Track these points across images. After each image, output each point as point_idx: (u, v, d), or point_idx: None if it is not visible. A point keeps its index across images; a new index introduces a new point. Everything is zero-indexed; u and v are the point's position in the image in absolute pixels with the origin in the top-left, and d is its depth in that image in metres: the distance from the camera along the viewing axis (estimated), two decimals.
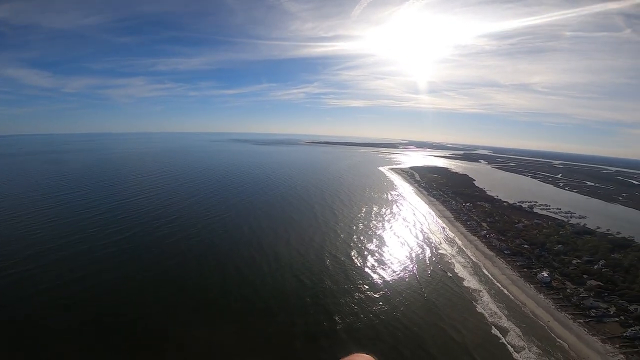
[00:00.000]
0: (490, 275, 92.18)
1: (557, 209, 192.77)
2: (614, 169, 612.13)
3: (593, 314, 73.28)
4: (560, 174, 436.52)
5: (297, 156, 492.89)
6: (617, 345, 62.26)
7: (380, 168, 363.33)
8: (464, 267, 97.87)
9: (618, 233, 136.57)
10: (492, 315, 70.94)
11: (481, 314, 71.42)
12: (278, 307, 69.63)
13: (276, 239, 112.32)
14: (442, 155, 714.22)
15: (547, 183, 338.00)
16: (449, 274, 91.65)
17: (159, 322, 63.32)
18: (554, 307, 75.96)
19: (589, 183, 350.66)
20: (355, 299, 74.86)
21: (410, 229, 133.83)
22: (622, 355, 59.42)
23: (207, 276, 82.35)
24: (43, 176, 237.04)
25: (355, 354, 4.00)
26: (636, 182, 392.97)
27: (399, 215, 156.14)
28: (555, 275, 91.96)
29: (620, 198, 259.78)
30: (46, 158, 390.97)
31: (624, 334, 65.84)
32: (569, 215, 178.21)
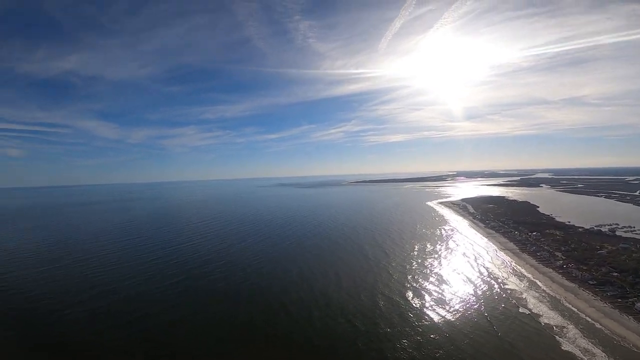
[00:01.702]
0: (574, 309, 79.70)
1: None
2: None
3: None
4: (638, 191, 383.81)
5: (342, 197, 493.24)
6: None
7: (429, 203, 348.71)
8: (540, 301, 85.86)
9: None
10: (584, 353, 60.06)
11: (570, 352, 60.69)
12: (330, 354, 65.38)
13: (326, 282, 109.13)
14: (495, 183, 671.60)
15: (626, 202, 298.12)
16: (523, 310, 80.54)
17: None
18: None
19: None
20: (415, 343, 67.91)
21: (470, 265, 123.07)
22: None
23: (256, 321, 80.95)
24: (108, 223, 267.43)
25: None
26: None
27: (456, 251, 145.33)
28: None
29: None
30: (111, 207, 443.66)
31: None
32: None
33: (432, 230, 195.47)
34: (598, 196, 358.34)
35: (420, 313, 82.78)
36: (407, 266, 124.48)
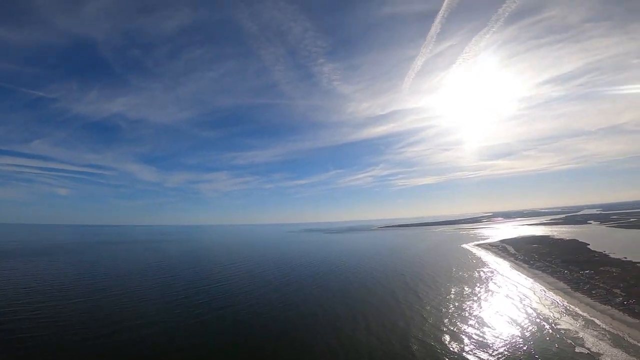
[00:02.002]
0: None
1: None
2: None
3: None
4: None
5: (371, 242, 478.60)
6: None
7: (464, 245, 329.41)
8: (600, 339, 75.02)
9: None
10: None
11: None
12: None
13: (354, 326, 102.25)
14: (538, 222, 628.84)
15: None
16: (581, 350, 70.27)
17: None
18: None
19: None
20: None
21: (514, 306, 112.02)
22: None
23: None
24: (145, 262, 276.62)
25: None
26: None
27: (497, 293, 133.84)
28: None
29: None
30: (149, 246, 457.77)
31: None
32: None
33: (469, 272, 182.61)
34: None
35: (458, 358, 74.43)
36: (443, 309, 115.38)
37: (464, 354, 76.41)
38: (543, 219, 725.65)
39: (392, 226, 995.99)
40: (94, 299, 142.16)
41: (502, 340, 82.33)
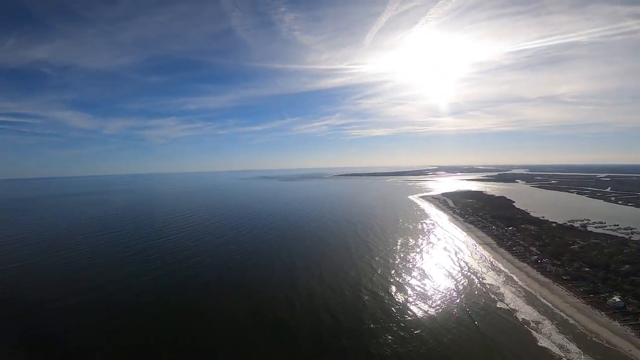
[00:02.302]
0: (549, 304, 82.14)
1: (615, 225, 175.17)
2: None
3: None
4: (609, 187, 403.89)
5: (324, 190, 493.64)
6: None
7: (410, 197, 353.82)
8: (517, 296, 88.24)
9: None
10: (560, 349, 61.72)
11: (547, 348, 62.20)
12: (315, 349, 64.72)
13: (309, 277, 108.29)
14: (474, 178, 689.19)
15: (597, 198, 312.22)
16: (501, 305, 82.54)
17: None
18: (633, 334, 65.48)
19: None
20: (399, 339, 68.20)
21: (450, 259, 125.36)
22: None
23: (240, 319, 79.24)
24: (86, 216, 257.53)
25: None
26: None
27: (437, 245, 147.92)
28: (629, 299, 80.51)
29: None
30: (89, 199, 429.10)
31: None
32: (630, 231, 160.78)
33: (414, 224, 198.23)
34: (570, 192, 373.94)
35: (403, 308, 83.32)
36: (390, 260, 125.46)
37: (408, 304, 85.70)
38: (479, 175, 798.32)
39: (345, 175, 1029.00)
40: (30, 263, 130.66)
41: (439, 293, 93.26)
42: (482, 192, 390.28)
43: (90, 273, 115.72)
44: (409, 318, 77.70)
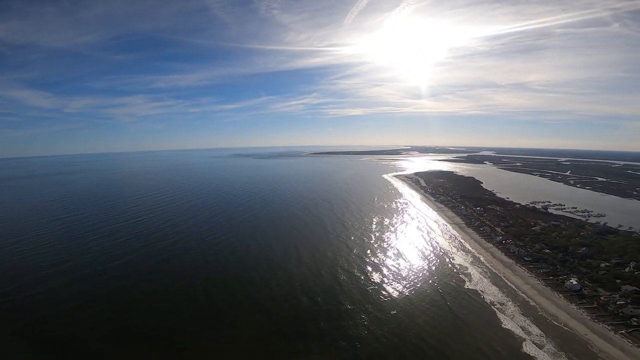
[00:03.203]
0: (512, 286, 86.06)
1: (573, 207, 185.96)
2: (621, 162, 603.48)
3: (635, 324, 67.04)
4: (569, 171, 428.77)
5: (301, 168, 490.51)
6: None
7: (385, 176, 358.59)
8: (483, 277, 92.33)
9: None
10: (523, 331, 64.88)
11: (511, 330, 65.24)
12: (292, 332, 64.55)
13: (286, 257, 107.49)
14: (446, 159, 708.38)
15: (557, 181, 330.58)
16: (470, 286, 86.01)
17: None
18: (589, 318, 69.56)
19: (600, 179, 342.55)
20: (376, 320, 69.31)
21: (423, 239, 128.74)
22: None
23: (215, 302, 77.55)
24: (46, 199, 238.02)
25: None
26: None
27: (410, 224, 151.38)
28: (585, 282, 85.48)
29: (635, 193, 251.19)
30: (49, 180, 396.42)
31: None
32: (587, 214, 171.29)
33: (388, 203, 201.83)
34: (533, 175, 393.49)
35: (379, 289, 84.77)
36: (366, 240, 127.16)
37: (384, 285, 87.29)
38: (450, 156, 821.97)
39: (322, 153, 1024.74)
40: None
41: (413, 273, 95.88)
42: (452, 172, 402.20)
43: (52, 259, 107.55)
44: (385, 299, 79.18)
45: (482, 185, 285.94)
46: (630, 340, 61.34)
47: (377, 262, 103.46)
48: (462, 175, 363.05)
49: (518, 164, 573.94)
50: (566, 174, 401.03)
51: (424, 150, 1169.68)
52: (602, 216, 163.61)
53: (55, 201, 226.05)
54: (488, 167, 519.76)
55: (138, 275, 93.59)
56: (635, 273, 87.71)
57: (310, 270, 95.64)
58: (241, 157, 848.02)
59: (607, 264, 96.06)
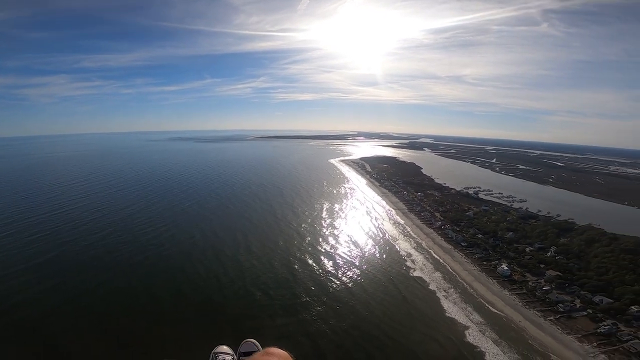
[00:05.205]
0: (452, 272, 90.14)
1: (499, 193, 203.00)
2: (537, 152, 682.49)
3: (561, 309, 72.27)
4: (495, 159, 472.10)
5: (248, 152, 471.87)
6: (595, 344, 60.71)
7: (333, 160, 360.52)
8: (427, 263, 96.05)
9: (558, 215, 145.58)
10: (465, 319, 67.48)
11: (454, 318, 67.78)
12: (249, 330, 60.05)
13: (235, 248, 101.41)
14: (389, 145, 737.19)
15: (485, 168, 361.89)
16: (417, 274, 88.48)
17: None
18: (521, 304, 74.00)
19: (521, 166, 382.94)
20: (334, 311, 68.13)
21: (372, 225, 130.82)
22: (603, 355, 57.49)
23: (158, 300, 70.09)
24: None
25: (272, 348, 3.82)
26: (560, 164, 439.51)
27: (358, 210, 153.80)
28: (514, 267, 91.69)
29: (551, 179, 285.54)
30: None
31: (598, 330, 65.13)
32: (511, 199, 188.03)
33: (337, 188, 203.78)
34: (465, 161, 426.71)
35: (334, 278, 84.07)
36: (317, 227, 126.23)
37: (339, 274, 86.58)
38: (393, 142, 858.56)
39: (269, 137, 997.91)
40: None
41: (365, 261, 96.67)
42: (395, 158, 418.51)
43: None
44: (340, 289, 78.68)
45: (422, 170, 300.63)
46: (559, 327, 65.76)
47: (329, 249, 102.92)
48: (404, 161, 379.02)
49: (453, 151, 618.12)
50: (492, 161, 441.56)
51: (370, 136, 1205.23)
52: (524, 201, 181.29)
53: None
54: (427, 153, 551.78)
55: (61, 277, 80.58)
56: (557, 257, 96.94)
57: (261, 262, 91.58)
58: (182, 141, 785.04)
59: (531, 248, 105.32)
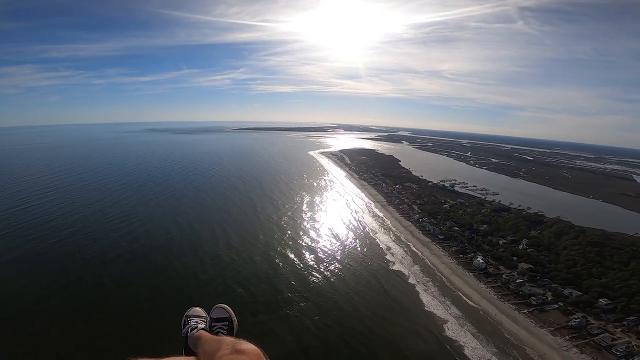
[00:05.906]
0: (431, 265, 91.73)
1: (474, 186, 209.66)
2: (509, 146, 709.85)
3: (534, 302, 74.58)
4: (469, 152, 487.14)
5: (226, 144, 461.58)
6: (567, 337, 63.24)
7: (312, 152, 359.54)
8: (406, 256, 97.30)
9: (529, 208, 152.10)
10: (443, 312, 68.94)
11: (433, 312, 69.05)
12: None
13: (214, 243, 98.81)
14: (368, 137, 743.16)
15: (461, 161, 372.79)
16: (397, 267, 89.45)
17: None
18: (496, 297, 76.20)
19: (493, 160, 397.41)
20: (317, 306, 67.76)
21: (352, 218, 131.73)
22: (575, 349, 60.37)
23: (134, 300, 66.87)
24: None
25: (243, 343, 4.04)
26: (530, 158, 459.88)
27: (338, 202, 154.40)
28: (489, 260, 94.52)
29: (521, 173, 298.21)
30: None
31: (569, 324, 67.42)
32: (485, 192, 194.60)
33: (317, 181, 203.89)
34: (442, 154, 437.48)
35: (316, 272, 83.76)
36: (298, 220, 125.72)
37: (321, 268, 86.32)
38: (372, 135, 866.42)
39: (247, 129, 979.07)
40: None
41: (346, 254, 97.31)
42: (374, 150, 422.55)
43: None
44: (323, 283, 78.50)
45: (400, 163, 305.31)
46: (532, 321, 68.00)
47: (310, 243, 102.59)
48: (382, 154, 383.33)
49: (429, 144, 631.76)
50: (467, 154, 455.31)
51: (349, 128, 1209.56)
52: (497, 194, 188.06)
53: None
54: (405, 146, 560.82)
55: (26, 277, 75.31)
56: (528, 250, 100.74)
57: (241, 257, 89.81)
58: (157, 133, 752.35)
59: (504, 241, 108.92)
